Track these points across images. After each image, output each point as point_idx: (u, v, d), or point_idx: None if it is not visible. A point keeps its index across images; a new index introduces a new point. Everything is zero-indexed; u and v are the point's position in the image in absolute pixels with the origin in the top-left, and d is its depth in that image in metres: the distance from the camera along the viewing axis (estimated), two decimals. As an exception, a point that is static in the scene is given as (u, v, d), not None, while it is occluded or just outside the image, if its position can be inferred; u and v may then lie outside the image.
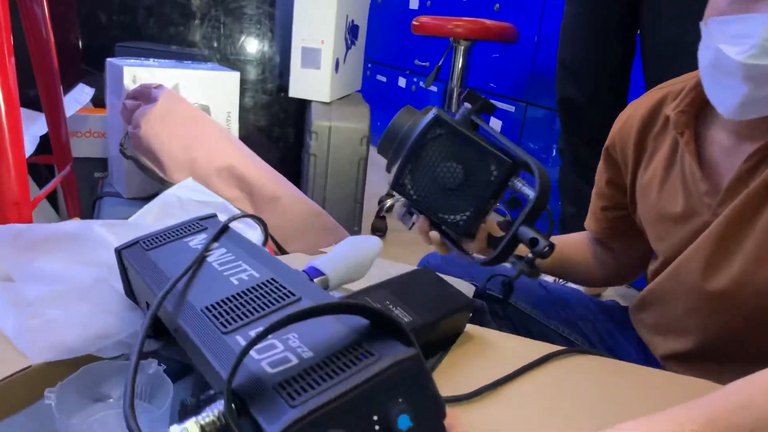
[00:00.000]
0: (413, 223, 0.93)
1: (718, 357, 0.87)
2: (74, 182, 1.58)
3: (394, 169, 0.88)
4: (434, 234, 0.91)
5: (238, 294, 0.58)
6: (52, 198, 1.82)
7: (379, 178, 3.19)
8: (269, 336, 0.49)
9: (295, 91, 1.91)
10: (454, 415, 0.45)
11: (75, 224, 0.88)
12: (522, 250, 0.85)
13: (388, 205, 2.61)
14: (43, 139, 1.58)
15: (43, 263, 0.80)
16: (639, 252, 1.05)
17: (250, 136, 2.03)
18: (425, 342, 0.75)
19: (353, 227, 1.99)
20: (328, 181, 1.79)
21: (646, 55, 1.58)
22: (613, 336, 1.07)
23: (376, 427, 0.42)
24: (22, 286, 0.75)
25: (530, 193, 0.79)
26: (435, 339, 0.76)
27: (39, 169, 1.78)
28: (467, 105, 0.86)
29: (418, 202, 0.87)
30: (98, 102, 1.84)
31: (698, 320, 0.87)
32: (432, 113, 0.84)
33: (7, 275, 0.78)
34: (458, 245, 0.91)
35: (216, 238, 0.72)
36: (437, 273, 0.84)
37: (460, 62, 2.26)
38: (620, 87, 1.75)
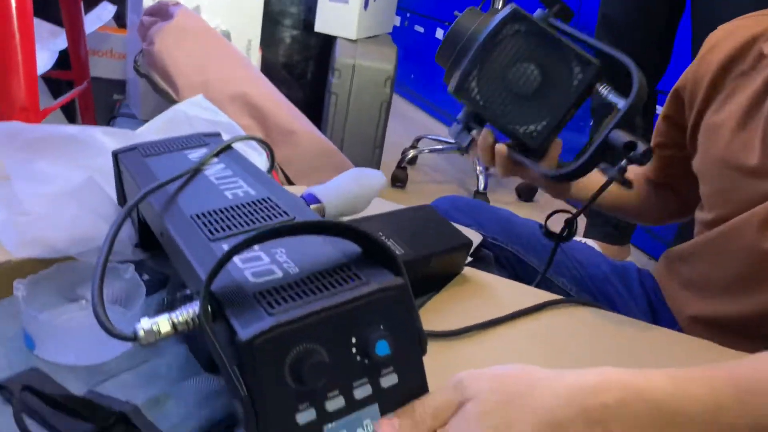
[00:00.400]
0: (471, 140, 0.84)
1: (755, 331, 0.79)
2: (91, 100, 1.57)
3: (457, 73, 0.78)
4: (501, 148, 0.80)
5: (230, 207, 0.56)
6: (70, 117, 1.82)
7: (401, 127, 3.15)
8: (256, 248, 0.47)
9: (321, 25, 1.85)
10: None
11: (77, 128, 0.86)
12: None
13: (410, 155, 2.56)
14: (65, 55, 1.56)
15: (41, 164, 0.79)
16: (691, 197, 0.95)
17: (271, 70, 1.98)
18: (417, 277, 0.71)
19: (381, 189, 1.95)
20: (348, 121, 1.75)
21: (696, 10, 1.48)
22: (622, 297, 1.03)
23: (353, 350, 0.41)
24: (17, 185, 0.73)
25: (617, 101, 0.71)
26: (428, 276, 0.73)
27: (60, 86, 1.77)
28: (542, 9, 0.77)
29: (485, 109, 0.77)
30: (122, 23, 1.81)
31: (747, 285, 0.79)
32: (509, 8, 0.75)
33: (5, 173, 0.77)
34: (527, 162, 0.80)
35: (216, 153, 0.70)
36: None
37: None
38: (665, 47, 1.65)
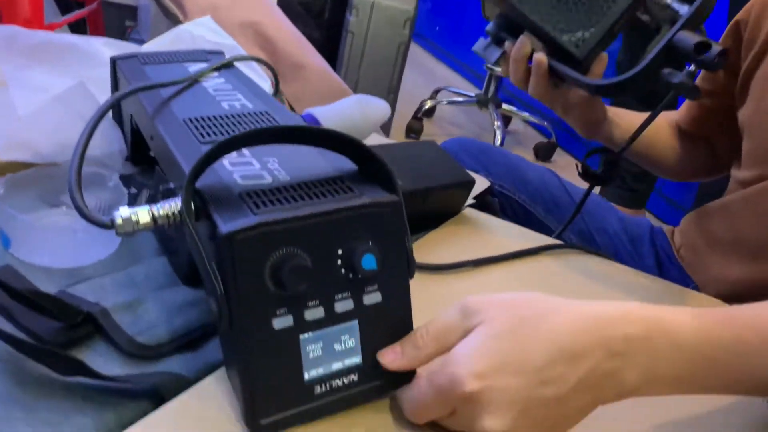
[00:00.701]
0: (502, 53, 0.75)
1: None
2: (101, 21, 1.54)
3: None
4: (540, 58, 0.71)
5: (225, 115, 0.54)
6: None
7: (421, 78, 3.08)
8: (247, 154, 0.46)
9: (343, -38, 1.78)
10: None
11: (76, 37, 0.84)
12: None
13: (428, 106, 2.51)
14: (76, -24, 1.52)
15: (38, 71, 0.77)
16: (726, 153, 0.88)
17: (288, 6, 1.92)
18: (412, 212, 0.69)
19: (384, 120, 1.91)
20: (363, 62, 1.70)
21: None
22: (629, 255, 0.99)
23: (339, 261, 0.39)
24: (13, 92, 0.71)
25: (678, 7, 0.64)
26: (424, 211, 0.71)
27: (70, 7, 1.73)
28: None
29: (525, 12, 0.69)
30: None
31: None
32: None
33: (2, 79, 0.75)
34: (571, 73, 0.71)
35: (218, 68, 0.68)
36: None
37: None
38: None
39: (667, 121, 0.96)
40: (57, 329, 0.44)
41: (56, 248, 0.53)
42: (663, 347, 0.38)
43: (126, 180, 0.62)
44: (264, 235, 0.36)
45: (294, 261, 0.37)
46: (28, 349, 0.41)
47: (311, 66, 1.37)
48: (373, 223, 0.40)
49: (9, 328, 0.42)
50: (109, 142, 0.70)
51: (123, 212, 0.39)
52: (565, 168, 2.19)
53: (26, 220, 0.52)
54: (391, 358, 0.41)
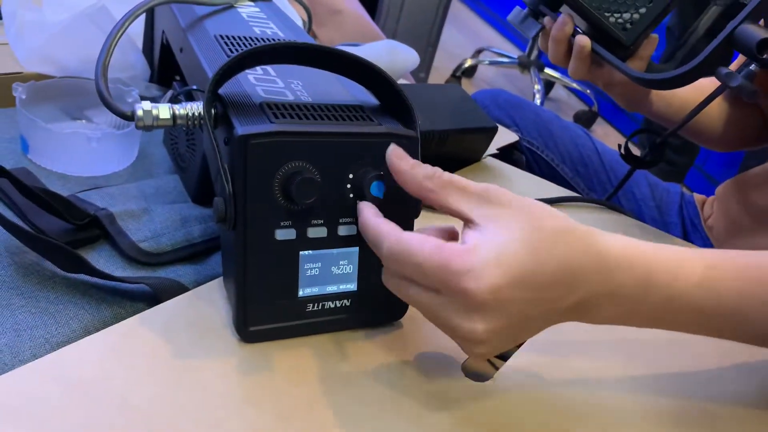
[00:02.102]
0: (541, 28, 0.71)
1: None
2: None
3: None
4: (583, 41, 0.66)
5: (256, 38, 0.54)
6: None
7: (460, 37, 3.01)
8: (272, 72, 0.46)
9: None
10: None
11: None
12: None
13: (468, 65, 2.46)
14: None
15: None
16: None
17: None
18: (430, 153, 0.68)
19: (420, 73, 1.88)
20: (402, 12, 1.66)
21: None
22: (654, 219, 0.96)
23: (348, 186, 0.39)
24: (46, 9, 0.72)
25: None
26: (443, 153, 0.70)
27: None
28: None
29: None
30: None
31: None
32: None
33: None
34: (615, 62, 0.66)
35: None
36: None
37: None
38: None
39: (714, 85, 0.91)
40: (64, 229, 0.46)
41: (73, 157, 0.54)
42: (659, 301, 0.37)
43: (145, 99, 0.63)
44: (279, 144, 0.37)
45: (305, 174, 0.37)
46: (34, 243, 0.42)
47: (347, 11, 1.35)
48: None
49: (19, 223, 0.44)
50: (132, 66, 0.70)
51: (145, 105, 0.39)
52: (604, 139, 2.13)
53: (46, 127, 0.53)
54: (399, 154, 0.38)
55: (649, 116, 0.83)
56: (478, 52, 2.54)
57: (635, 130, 0.76)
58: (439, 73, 2.34)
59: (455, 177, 0.36)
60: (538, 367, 0.42)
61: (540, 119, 1.04)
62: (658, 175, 1.93)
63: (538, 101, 2.23)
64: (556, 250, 0.34)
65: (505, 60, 2.47)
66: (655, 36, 0.67)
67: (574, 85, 2.47)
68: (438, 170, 0.37)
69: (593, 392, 0.42)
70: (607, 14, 0.64)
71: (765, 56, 0.55)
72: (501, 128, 0.92)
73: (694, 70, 0.59)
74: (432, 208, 0.37)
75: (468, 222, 0.35)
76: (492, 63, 2.55)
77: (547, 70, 2.38)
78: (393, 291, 0.37)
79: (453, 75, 2.39)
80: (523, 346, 0.38)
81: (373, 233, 0.36)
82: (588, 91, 2.43)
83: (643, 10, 0.63)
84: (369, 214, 0.37)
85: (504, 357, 0.38)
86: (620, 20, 0.64)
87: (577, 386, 0.42)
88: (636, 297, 0.37)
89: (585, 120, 2.44)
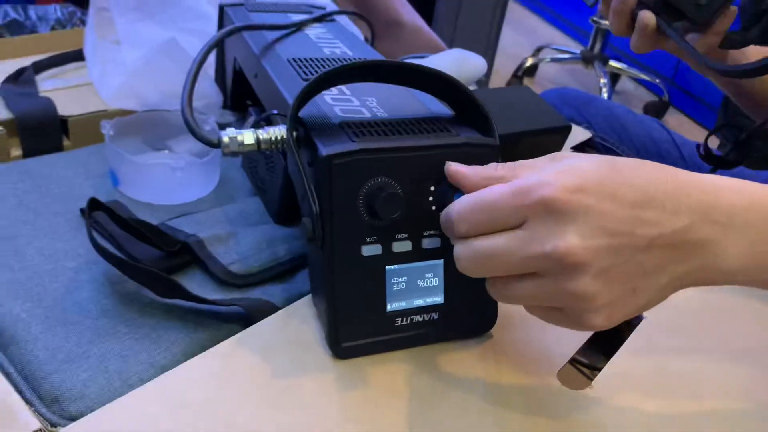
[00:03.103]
0: None
1: None
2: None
3: None
4: (648, 18, 0.60)
5: (327, 58, 0.56)
6: None
7: (518, 37, 2.96)
8: (347, 92, 0.47)
9: None
10: None
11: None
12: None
13: (529, 64, 2.42)
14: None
15: (146, 25, 0.81)
16: None
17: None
18: (505, 156, 0.67)
19: (481, 77, 1.86)
20: (459, 17, 1.65)
21: None
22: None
23: (430, 198, 0.39)
24: (124, 47, 0.76)
25: None
26: (518, 155, 0.68)
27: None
28: None
29: None
30: None
31: None
32: None
33: (116, 38, 0.80)
34: (683, 45, 0.59)
35: (320, 18, 0.70)
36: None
37: None
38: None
39: None
40: (157, 257, 0.47)
41: (159, 187, 0.56)
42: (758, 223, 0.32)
43: (222, 127, 0.65)
44: (362, 162, 0.37)
45: (389, 190, 0.37)
46: (132, 271, 0.44)
47: (406, 23, 1.35)
48: (469, 163, 0.39)
49: (117, 254, 0.46)
50: (206, 94, 0.73)
51: (230, 132, 0.41)
52: (679, 129, 2.03)
53: (133, 160, 0.55)
54: (455, 166, 0.37)
55: (722, 87, 0.74)
56: (538, 50, 2.49)
57: (714, 128, 0.70)
58: (500, 76, 2.31)
59: (519, 161, 0.35)
60: (637, 375, 0.41)
61: (612, 114, 1.00)
62: (746, 163, 1.81)
63: (605, 95, 2.16)
64: (644, 171, 0.32)
65: (567, 56, 2.41)
66: (733, 9, 0.59)
67: (642, 75, 2.38)
68: (499, 163, 0.36)
69: (697, 400, 0.39)
70: None
71: None
72: (573, 127, 0.89)
73: None
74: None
75: None
76: (553, 60, 2.49)
77: (612, 62, 2.30)
78: (473, 265, 0.33)
79: (514, 75, 2.35)
80: (620, 352, 0.36)
81: (442, 217, 0.35)
82: (657, 80, 2.34)
83: None
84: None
85: (597, 367, 0.36)
86: None
87: (679, 394, 0.40)
88: (760, 222, 0.32)
89: (656, 111, 2.35)
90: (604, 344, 0.36)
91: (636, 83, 2.64)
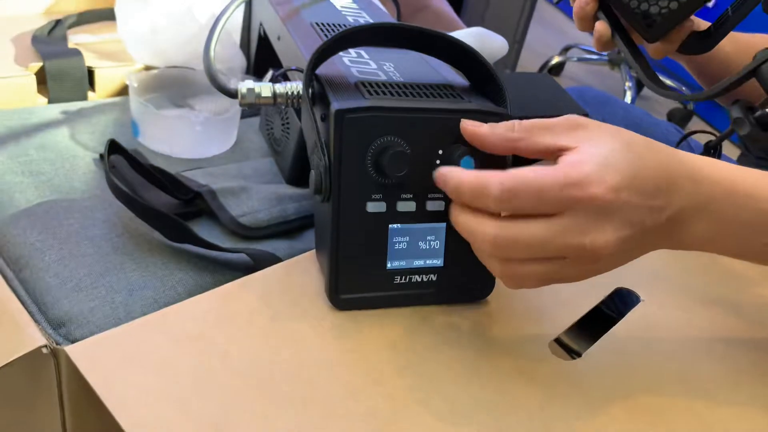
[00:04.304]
0: None
1: None
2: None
3: None
4: (602, 27, 0.62)
5: (350, 26, 0.56)
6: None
7: (547, 36, 2.94)
8: (365, 55, 0.48)
9: None
10: None
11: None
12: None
13: (555, 62, 2.41)
14: None
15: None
16: None
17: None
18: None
19: (505, 70, 1.86)
20: (488, 9, 1.65)
21: None
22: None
23: (437, 161, 0.40)
24: (152, 6, 0.77)
25: None
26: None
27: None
28: None
29: None
30: None
31: None
32: None
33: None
34: (635, 49, 0.61)
35: None
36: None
37: None
38: None
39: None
40: (170, 203, 0.49)
41: (178, 140, 0.58)
42: (749, 216, 0.37)
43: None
44: (372, 119, 0.38)
45: (396, 148, 0.38)
46: (145, 214, 0.45)
47: (433, 8, 1.36)
48: None
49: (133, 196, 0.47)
50: (231, 59, 0.74)
51: (248, 84, 0.42)
52: (701, 138, 2.01)
53: (156, 112, 0.57)
54: (473, 123, 0.38)
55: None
56: (566, 49, 2.48)
57: (687, 133, 0.69)
58: (525, 71, 2.31)
59: (536, 120, 0.36)
60: (626, 346, 0.41)
61: (629, 116, 1.00)
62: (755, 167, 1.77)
63: (628, 99, 2.15)
64: (654, 154, 0.35)
65: (595, 57, 2.39)
66: (688, 24, 0.59)
67: (668, 82, 2.35)
68: (516, 121, 0.37)
69: (685, 366, 0.40)
70: (634, 2, 0.57)
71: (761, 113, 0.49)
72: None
73: (719, 92, 0.52)
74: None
75: (562, 150, 0.35)
76: (580, 60, 2.48)
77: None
78: (505, 247, 0.34)
79: (540, 71, 2.34)
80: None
81: (475, 183, 0.34)
82: (683, 88, 2.32)
83: (677, 1, 0.55)
84: (458, 170, 0.36)
85: (578, 352, 0.37)
86: (648, 11, 0.57)
87: (671, 361, 0.40)
88: (725, 209, 0.36)
89: (679, 118, 2.33)
90: (591, 329, 0.37)
91: (694, 93, 2.60)
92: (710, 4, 2.13)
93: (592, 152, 0.34)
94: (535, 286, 0.36)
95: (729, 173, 0.37)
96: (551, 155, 0.35)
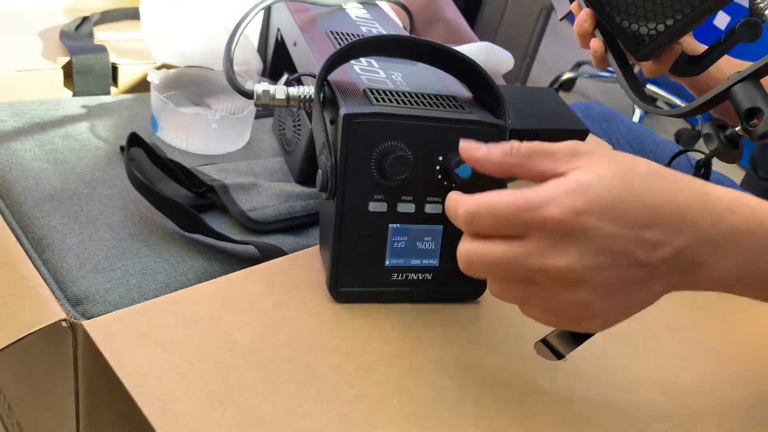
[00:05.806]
0: (568, 13, 0.68)
1: None
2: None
3: None
4: (597, 44, 0.64)
5: (363, 36, 0.59)
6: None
7: (560, 50, 2.97)
8: (375, 65, 0.51)
9: None
10: None
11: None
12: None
13: (566, 77, 2.43)
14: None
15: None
16: None
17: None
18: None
19: (515, 83, 1.89)
20: (502, 22, 1.68)
21: None
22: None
23: (437, 167, 0.43)
24: (175, 7, 0.81)
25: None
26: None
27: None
28: None
29: None
30: None
31: None
32: None
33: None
34: (626, 67, 0.63)
35: (362, 1, 0.73)
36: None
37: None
38: None
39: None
40: (184, 195, 0.52)
41: (195, 136, 0.60)
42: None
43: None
44: (377, 124, 0.41)
45: (399, 153, 0.41)
46: (161, 204, 0.48)
47: (447, 21, 1.39)
48: (477, 140, 0.43)
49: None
50: (248, 62, 0.77)
51: (263, 86, 0.45)
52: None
53: (175, 108, 0.60)
54: (471, 144, 0.37)
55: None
56: (578, 65, 2.51)
57: (675, 154, 0.72)
58: (536, 86, 2.33)
59: (537, 143, 0.35)
60: (613, 352, 0.44)
61: (633, 133, 1.03)
62: (760, 194, 1.79)
63: (637, 117, 2.17)
64: (656, 185, 0.32)
65: (606, 74, 2.42)
66: (678, 47, 0.61)
67: (677, 101, 2.37)
68: (515, 143, 0.35)
69: (665, 371, 0.42)
70: (626, 23, 0.59)
71: (750, 124, 0.50)
72: (591, 136, 0.92)
73: (692, 111, 0.56)
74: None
75: (556, 176, 0.34)
76: (591, 76, 2.50)
77: (649, 86, 2.31)
78: (473, 265, 0.34)
79: (550, 87, 2.37)
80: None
81: (448, 206, 0.36)
82: (675, 102, 2.33)
83: (667, 23, 0.57)
84: (451, 192, 0.37)
85: (562, 354, 0.39)
86: (639, 32, 0.59)
87: (650, 365, 0.43)
88: (753, 245, 0.33)
89: (687, 139, 2.34)
90: (576, 332, 0.39)
91: (671, 109, 2.62)
92: (722, 26, 2.15)
93: (573, 177, 0.33)
94: (519, 304, 0.36)
95: (758, 205, 0.34)
96: (548, 181, 0.34)
